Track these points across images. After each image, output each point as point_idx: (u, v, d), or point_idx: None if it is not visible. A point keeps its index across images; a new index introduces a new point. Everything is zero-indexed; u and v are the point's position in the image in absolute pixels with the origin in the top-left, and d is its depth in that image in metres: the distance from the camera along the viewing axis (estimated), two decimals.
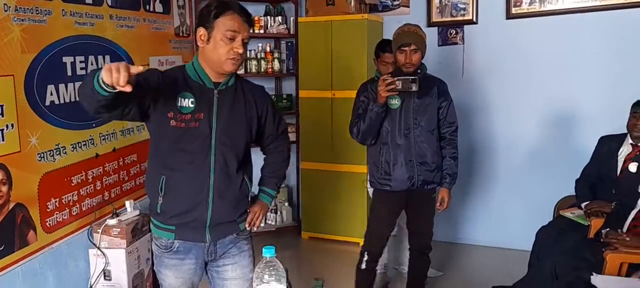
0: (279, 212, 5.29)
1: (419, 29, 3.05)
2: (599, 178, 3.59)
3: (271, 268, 1.55)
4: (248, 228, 2.27)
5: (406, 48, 2.97)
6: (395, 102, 3.05)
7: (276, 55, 5.15)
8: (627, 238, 2.88)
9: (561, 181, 4.16)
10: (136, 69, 1.64)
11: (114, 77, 1.57)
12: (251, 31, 2.14)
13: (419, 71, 3.07)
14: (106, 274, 3.09)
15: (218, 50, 1.98)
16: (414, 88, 2.87)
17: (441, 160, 3.17)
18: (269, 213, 5.25)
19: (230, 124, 2.10)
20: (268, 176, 2.41)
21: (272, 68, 5.14)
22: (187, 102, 2.02)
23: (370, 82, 3.22)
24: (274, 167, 2.42)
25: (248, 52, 4.97)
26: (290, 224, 5.35)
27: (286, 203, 5.39)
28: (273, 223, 5.25)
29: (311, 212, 5.12)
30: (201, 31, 2.01)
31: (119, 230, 3.12)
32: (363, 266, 3.28)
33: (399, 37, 3.04)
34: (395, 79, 2.86)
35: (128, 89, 1.61)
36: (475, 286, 4.08)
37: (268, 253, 1.55)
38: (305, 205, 5.21)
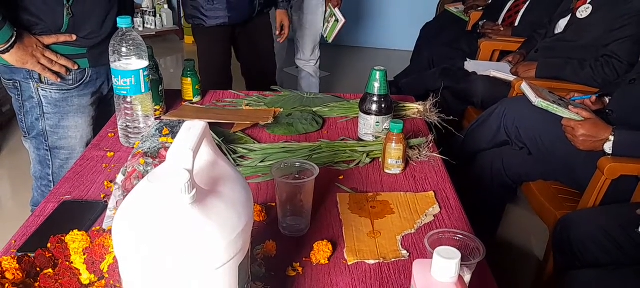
0: (158, 15, 4.90)
1: None
2: None
3: (129, 41, 1.36)
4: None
5: None
6: None
7: None
8: (502, 29, 3.00)
9: None
10: None
11: None
12: None
13: None
14: None
15: None
16: None
17: None
18: (147, 17, 4.85)
19: None
20: None
21: None
22: None
23: None
24: None
25: None
26: (171, 28, 5.00)
27: (166, 6, 4.98)
28: (152, 27, 4.88)
29: None
30: None
31: None
32: None
33: None
34: None
35: None
36: (358, 82, 4.17)
37: (124, 23, 1.35)
38: None
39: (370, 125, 1.45)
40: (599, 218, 1.54)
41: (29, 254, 0.92)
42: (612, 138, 1.64)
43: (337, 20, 3.10)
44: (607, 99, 1.93)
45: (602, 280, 1.37)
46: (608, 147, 1.65)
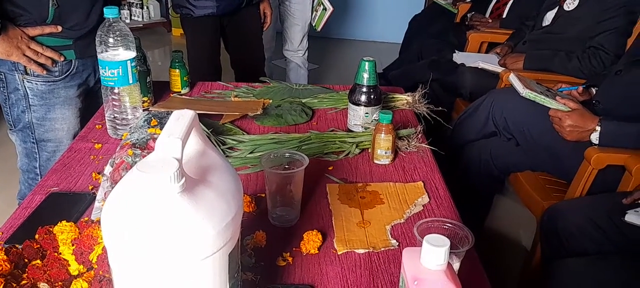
0: (145, 7, 4.85)
1: None
2: None
3: (116, 31, 1.35)
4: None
5: None
6: None
7: None
8: (490, 20, 3.01)
9: None
10: None
11: None
12: None
13: None
14: None
15: None
16: None
17: None
18: (134, 9, 4.80)
19: None
20: None
21: None
22: None
23: None
24: None
25: None
26: (158, 20, 4.96)
27: None
28: (139, 19, 4.83)
29: None
30: None
31: None
32: None
33: None
34: None
35: None
36: (347, 75, 4.16)
37: (110, 13, 1.33)
38: None
39: (359, 116, 1.46)
40: (585, 208, 1.55)
41: (17, 246, 0.91)
42: (598, 128, 1.66)
43: (325, 9, 3.07)
44: (593, 90, 1.95)
45: (589, 269, 1.38)
46: (595, 138, 1.67)
